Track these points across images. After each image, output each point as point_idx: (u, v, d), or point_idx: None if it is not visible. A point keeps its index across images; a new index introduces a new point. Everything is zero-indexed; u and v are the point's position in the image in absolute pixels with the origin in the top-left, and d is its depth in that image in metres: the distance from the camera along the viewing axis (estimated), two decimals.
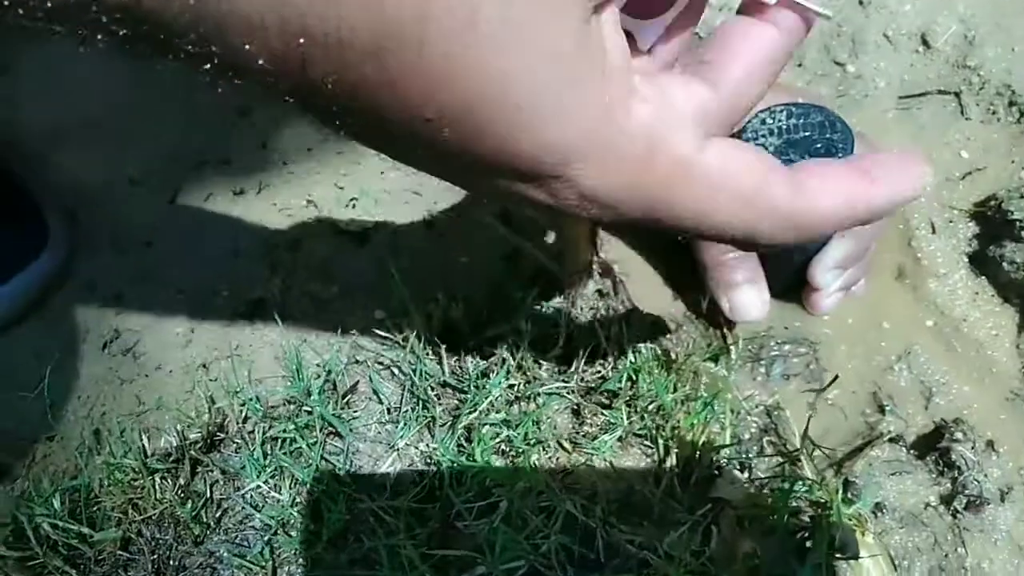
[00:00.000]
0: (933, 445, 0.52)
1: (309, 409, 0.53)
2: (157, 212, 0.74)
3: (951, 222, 0.62)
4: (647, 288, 0.64)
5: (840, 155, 0.50)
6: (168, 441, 0.54)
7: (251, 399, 0.55)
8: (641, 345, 0.57)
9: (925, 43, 0.68)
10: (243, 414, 0.55)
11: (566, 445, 0.49)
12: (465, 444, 0.51)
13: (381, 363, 0.58)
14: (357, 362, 0.59)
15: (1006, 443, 0.51)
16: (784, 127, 0.52)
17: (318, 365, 0.59)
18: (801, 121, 0.52)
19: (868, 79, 0.69)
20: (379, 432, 0.54)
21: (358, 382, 0.57)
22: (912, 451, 0.52)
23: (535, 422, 0.50)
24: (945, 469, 0.50)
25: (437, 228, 0.68)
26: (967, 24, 0.67)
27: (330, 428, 0.53)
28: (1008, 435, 0.52)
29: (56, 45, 0.86)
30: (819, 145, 0.51)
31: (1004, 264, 0.57)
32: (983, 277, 0.59)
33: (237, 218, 0.71)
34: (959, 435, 0.50)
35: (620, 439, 0.50)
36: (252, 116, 0.79)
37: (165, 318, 0.65)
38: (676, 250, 0.60)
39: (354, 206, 0.71)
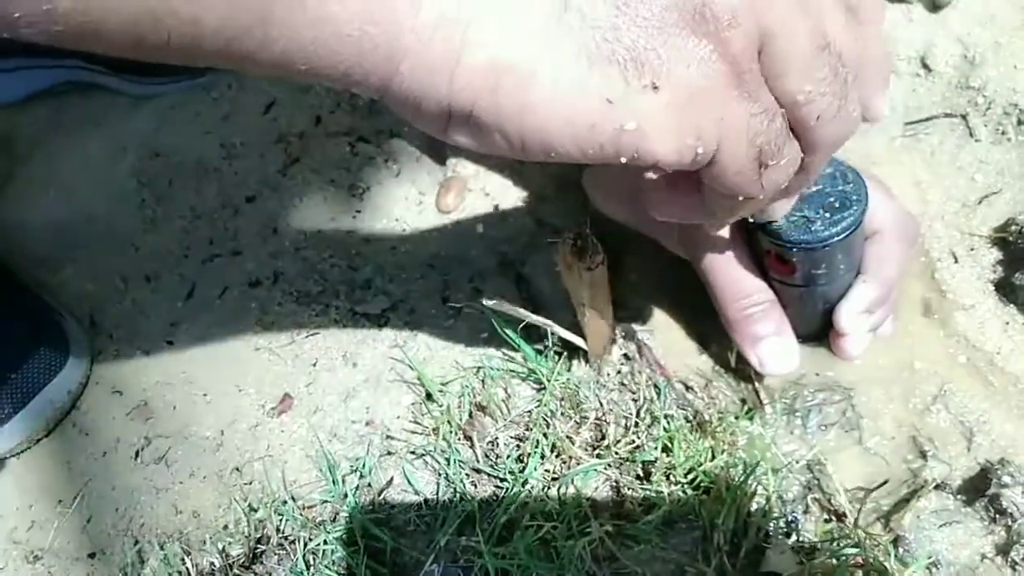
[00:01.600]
0: (981, 490, 0.51)
1: (347, 514, 0.53)
2: (175, 310, 0.74)
3: (972, 249, 0.61)
4: (672, 344, 0.63)
5: (854, 207, 0.49)
6: (211, 561, 0.54)
7: (287, 507, 0.55)
8: (672, 410, 0.56)
9: (925, 66, 0.68)
10: (282, 521, 0.55)
11: (610, 529, 0.49)
12: (508, 534, 0.51)
13: (414, 452, 0.58)
14: (389, 453, 0.58)
15: None
16: None
17: (349, 459, 0.59)
18: None
19: None
20: (419, 526, 0.54)
21: (392, 477, 0.56)
22: (960, 497, 0.51)
23: (575, 515, 0.49)
24: (997, 516, 0.49)
25: (454, 301, 0.67)
26: (965, 45, 0.67)
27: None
28: None
29: (56, 149, 0.87)
30: (832, 198, 0.50)
31: None
32: (1012, 305, 0.58)
33: (254, 310, 0.71)
34: (1007, 478, 0.49)
35: (664, 519, 0.50)
36: (258, 201, 0.79)
37: (193, 422, 0.66)
38: (699, 303, 0.60)
39: (369, 286, 0.71)
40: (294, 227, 0.77)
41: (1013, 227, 0.59)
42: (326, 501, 0.56)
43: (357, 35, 0.31)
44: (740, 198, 0.37)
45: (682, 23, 0.31)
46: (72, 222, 0.83)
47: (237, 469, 0.62)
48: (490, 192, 0.76)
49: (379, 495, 0.55)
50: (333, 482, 0.56)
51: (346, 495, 0.55)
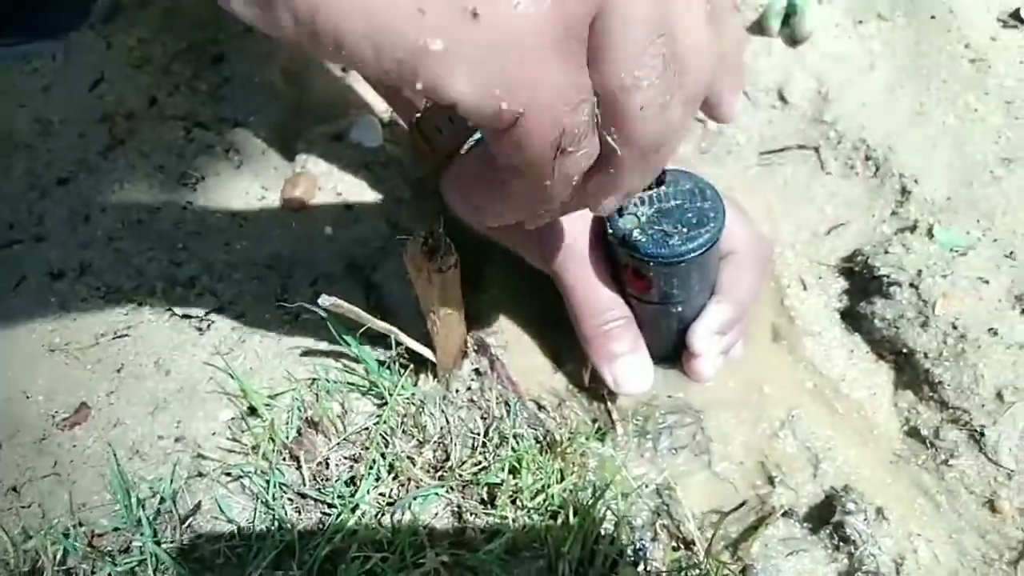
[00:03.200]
0: (826, 518, 0.50)
1: (141, 544, 0.45)
2: None
3: (821, 278, 0.62)
4: (527, 361, 0.60)
5: (711, 225, 0.48)
6: None
7: (71, 534, 0.46)
8: (523, 429, 0.53)
9: (782, 99, 0.69)
10: (59, 553, 0.46)
11: (446, 559, 0.44)
12: (331, 567, 0.45)
13: (229, 474, 0.51)
14: (200, 475, 0.51)
15: (894, 509, 0.50)
16: (655, 195, 0.50)
17: (150, 481, 0.51)
18: (672, 189, 0.50)
19: (729, 135, 0.69)
20: (229, 558, 0.47)
21: (200, 502, 0.49)
22: (806, 525, 0.50)
23: (410, 544, 0.44)
24: (841, 543, 0.48)
25: (291, 310, 0.61)
26: (820, 80, 0.68)
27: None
28: (895, 500, 0.51)
29: None
30: (691, 214, 0.49)
31: (875, 321, 0.57)
32: (857, 334, 0.59)
33: (55, 305, 0.61)
34: (850, 505, 0.49)
35: (508, 548, 0.45)
36: (71, 184, 0.70)
37: None
38: (557, 320, 0.57)
39: (193, 284, 0.63)
40: (111, 215, 0.68)
41: (859, 258, 0.60)
42: (117, 528, 0.47)
43: None
44: (532, 184, 0.34)
45: None
46: None
47: (14, 489, 0.52)
48: (342, 192, 0.70)
49: (183, 522, 0.48)
50: (126, 506, 0.47)
51: (140, 521, 0.47)
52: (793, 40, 0.70)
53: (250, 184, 0.71)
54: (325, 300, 0.47)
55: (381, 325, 0.51)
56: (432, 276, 0.47)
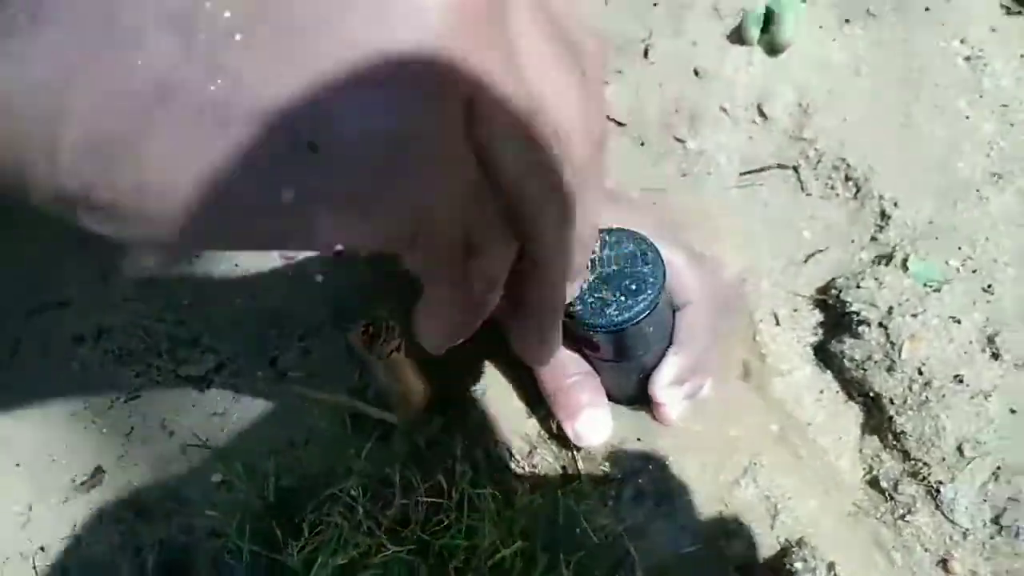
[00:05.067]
0: (779, 571, 0.50)
1: None
2: None
3: (796, 310, 0.60)
4: (501, 407, 0.62)
5: (649, 291, 0.48)
6: None
7: None
8: (483, 489, 0.55)
9: (762, 114, 0.66)
10: None
11: None
12: None
13: (217, 534, 0.56)
14: (194, 535, 0.56)
15: (846, 566, 0.49)
16: (597, 259, 0.50)
17: (153, 542, 0.56)
18: (613, 253, 0.50)
19: (709, 155, 0.67)
20: None
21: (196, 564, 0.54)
22: None
23: None
24: None
25: (282, 361, 0.65)
26: (801, 91, 0.65)
27: None
28: (848, 556, 0.50)
29: None
30: (629, 280, 0.49)
31: (845, 360, 0.56)
32: (828, 372, 0.58)
33: (76, 369, 0.68)
34: (799, 564, 0.49)
35: None
36: (91, 248, 0.75)
37: (2, 493, 0.62)
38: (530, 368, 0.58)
39: (196, 343, 0.68)
40: (125, 275, 0.73)
41: (832, 290, 0.58)
42: None
43: None
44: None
45: None
46: None
47: (43, 549, 0.59)
48: None
49: None
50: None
51: None
52: (773, 48, 0.66)
53: None
54: (293, 383, 0.50)
55: (341, 399, 0.54)
56: (376, 362, 0.49)
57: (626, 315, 0.48)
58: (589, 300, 0.49)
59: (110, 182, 0.24)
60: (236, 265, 0.73)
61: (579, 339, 0.52)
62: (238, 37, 0.22)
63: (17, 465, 0.64)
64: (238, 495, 0.57)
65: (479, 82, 0.24)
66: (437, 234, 0.27)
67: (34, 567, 0.58)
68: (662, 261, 0.49)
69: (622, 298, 0.48)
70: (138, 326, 0.69)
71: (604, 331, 0.49)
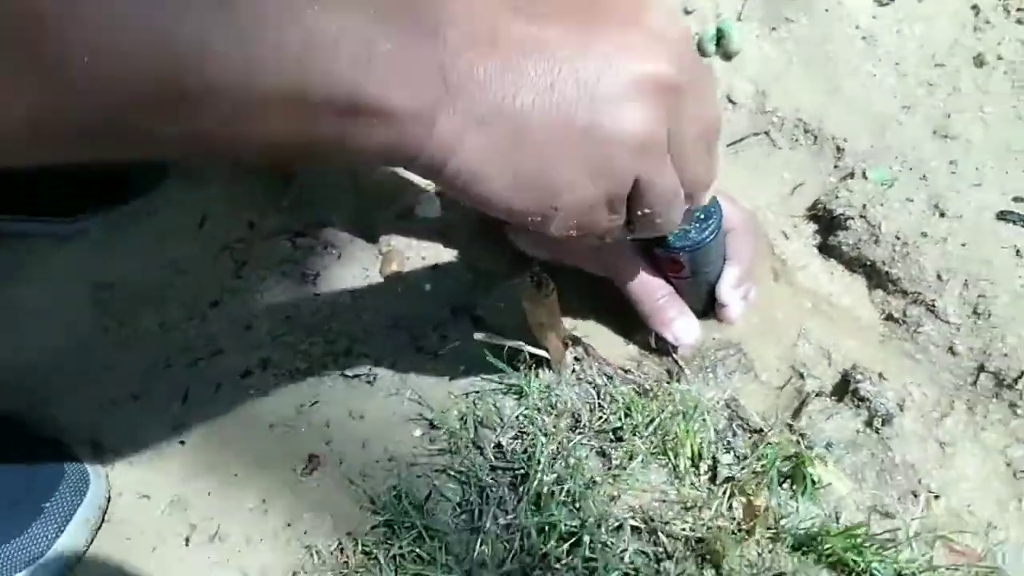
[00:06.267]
0: (846, 389, 0.72)
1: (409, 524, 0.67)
2: (174, 415, 0.83)
3: (795, 227, 0.84)
4: (606, 342, 0.81)
5: (715, 216, 0.69)
6: None
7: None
8: (623, 387, 0.74)
9: (732, 102, 0.91)
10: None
11: (609, 480, 0.66)
12: (534, 508, 0.66)
13: (437, 470, 0.72)
14: (417, 477, 0.72)
15: (889, 371, 0.72)
16: None
17: (385, 491, 0.72)
18: None
19: None
20: (462, 515, 0.68)
21: (430, 491, 0.70)
22: (833, 397, 0.72)
23: (582, 473, 0.66)
24: (859, 403, 0.70)
25: (427, 348, 0.82)
26: (756, 82, 0.91)
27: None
28: (889, 365, 0.73)
29: (14, 285, 0.93)
30: (698, 211, 0.70)
31: (843, 247, 0.79)
32: (832, 259, 0.81)
33: (254, 395, 0.82)
34: (859, 376, 0.71)
35: (642, 462, 0.67)
36: (222, 305, 0.90)
37: (233, 497, 0.75)
38: (616, 307, 0.78)
39: (350, 352, 0.84)
40: (263, 320, 0.88)
41: (819, 205, 0.83)
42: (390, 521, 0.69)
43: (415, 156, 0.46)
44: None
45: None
46: (37, 361, 0.88)
47: (288, 524, 0.73)
48: (425, 256, 0.91)
49: (420, 506, 0.69)
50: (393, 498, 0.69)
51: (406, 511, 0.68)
52: (727, 56, 0.92)
53: (353, 268, 0.92)
54: (479, 335, 0.68)
55: (514, 343, 0.72)
56: (542, 302, 0.68)
57: (704, 234, 0.69)
58: (675, 232, 0.70)
59: None
60: (351, 293, 0.90)
61: (665, 263, 0.73)
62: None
63: (236, 475, 0.77)
64: (443, 438, 0.73)
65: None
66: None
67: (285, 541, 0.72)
68: (716, 198, 0.71)
69: (696, 225, 0.70)
70: (295, 352, 0.85)
71: (688, 251, 0.70)
